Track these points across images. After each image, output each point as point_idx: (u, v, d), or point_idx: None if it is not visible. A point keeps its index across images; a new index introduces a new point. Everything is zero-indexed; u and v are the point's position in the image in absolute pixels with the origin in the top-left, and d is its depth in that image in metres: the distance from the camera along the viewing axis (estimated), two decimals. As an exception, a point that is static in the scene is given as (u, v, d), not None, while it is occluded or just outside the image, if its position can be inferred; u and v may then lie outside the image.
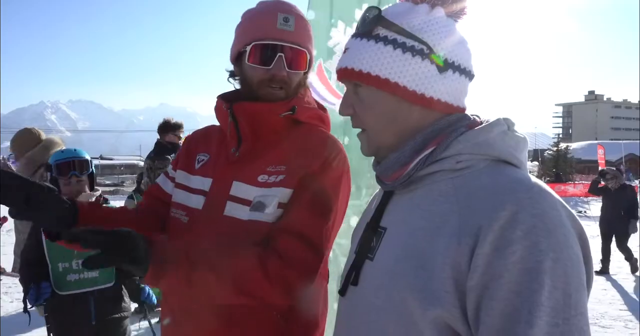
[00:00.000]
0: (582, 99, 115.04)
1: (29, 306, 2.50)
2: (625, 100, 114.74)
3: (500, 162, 0.85)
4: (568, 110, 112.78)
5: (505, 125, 0.88)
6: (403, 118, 0.90)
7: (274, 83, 1.33)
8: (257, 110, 1.34)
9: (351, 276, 0.93)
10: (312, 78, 2.11)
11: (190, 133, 1.65)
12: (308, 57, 1.37)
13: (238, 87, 1.43)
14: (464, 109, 0.93)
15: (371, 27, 0.89)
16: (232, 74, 1.43)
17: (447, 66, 0.87)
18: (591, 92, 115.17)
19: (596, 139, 68.06)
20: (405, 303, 0.80)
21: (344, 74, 0.93)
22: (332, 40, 2.16)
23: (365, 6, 2.24)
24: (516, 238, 0.72)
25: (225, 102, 1.39)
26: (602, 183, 8.17)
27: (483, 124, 0.88)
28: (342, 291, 0.96)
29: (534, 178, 0.82)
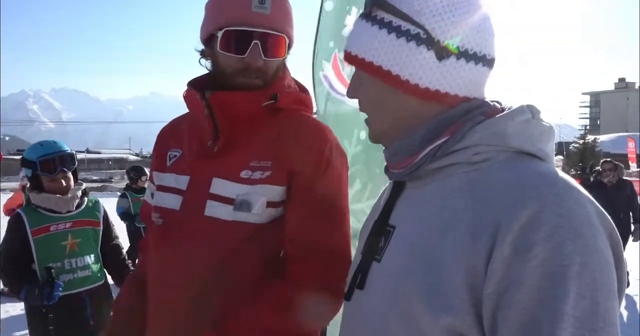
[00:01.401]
0: (612, 87, 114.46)
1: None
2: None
3: (523, 154, 0.82)
4: (596, 100, 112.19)
5: (529, 113, 0.84)
6: (398, 108, 0.89)
7: (250, 72, 1.29)
8: (236, 101, 1.30)
9: (357, 279, 0.91)
10: (327, 70, 2.12)
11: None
12: (287, 42, 1.32)
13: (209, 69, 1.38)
14: (476, 99, 0.89)
15: (370, 8, 0.88)
16: (203, 54, 1.37)
17: (448, 52, 0.84)
18: (622, 80, 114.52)
19: (626, 131, 67.66)
20: (413, 310, 0.78)
21: (345, 56, 0.93)
22: (346, 28, 2.18)
23: (354, 11, 2.18)
24: (538, 240, 0.70)
25: (197, 90, 1.34)
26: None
27: (504, 112, 0.85)
28: (347, 296, 0.94)
29: (559, 172, 0.79)
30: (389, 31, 0.85)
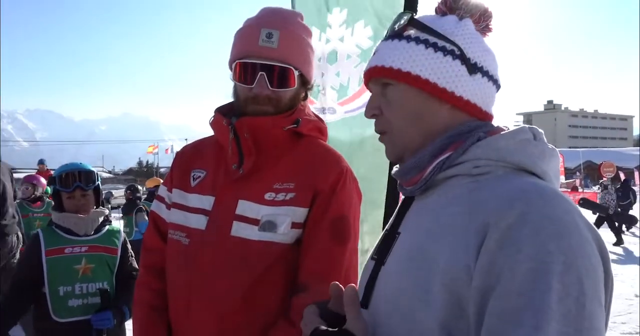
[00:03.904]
0: (542, 108, 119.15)
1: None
2: (581, 110, 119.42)
3: (522, 171, 0.83)
4: (528, 119, 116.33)
5: (529, 134, 0.86)
6: (431, 117, 0.89)
7: (259, 100, 1.30)
8: (260, 125, 1.29)
9: (370, 288, 0.91)
10: None
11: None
12: (297, 73, 1.31)
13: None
14: (491, 116, 0.93)
15: (403, 29, 0.91)
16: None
17: (476, 69, 0.89)
18: (550, 102, 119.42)
19: (555, 147, 70.34)
20: (411, 308, 0.78)
21: (373, 72, 0.93)
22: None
23: (335, 10, 2.28)
24: (524, 236, 0.69)
25: (223, 116, 1.35)
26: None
27: (505, 131, 0.87)
28: (363, 302, 0.90)
29: (553, 187, 0.80)
30: (426, 46, 0.88)
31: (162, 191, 1.47)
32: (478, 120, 0.91)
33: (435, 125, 0.89)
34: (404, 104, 0.90)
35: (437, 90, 0.87)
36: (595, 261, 0.70)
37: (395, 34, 0.92)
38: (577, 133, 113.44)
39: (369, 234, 2.05)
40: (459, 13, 0.91)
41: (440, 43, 0.88)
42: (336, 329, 0.77)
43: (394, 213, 0.98)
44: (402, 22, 0.92)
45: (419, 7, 1.82)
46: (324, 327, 0.78)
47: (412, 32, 0.90)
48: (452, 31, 0.89)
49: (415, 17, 0.92)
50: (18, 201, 6.55)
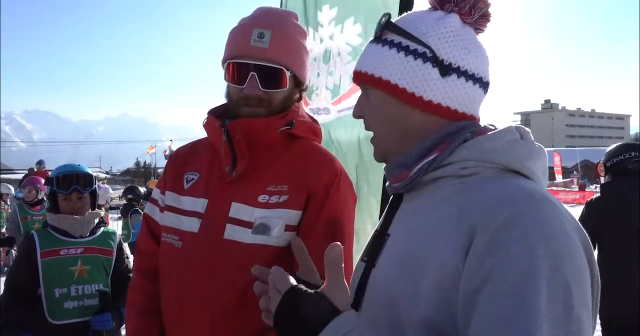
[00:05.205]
0: (539, 108, 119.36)
1: None
2: (578, 109, 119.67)
3: (509, 172, 0.82)
4: (526, 119, 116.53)
5: (517, 133, 0.85)
6: (405, 121, 0.89)
7: (251, 101, 1.28)
8: (254, 126, 1.28)
9: (361, 290, 0.90)
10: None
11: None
12: (289, 74, 1.30)
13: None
14: (472, 116, 0.90)
15: (381, 31, 0.91)
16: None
17: (451, 70, 0.86)
18: (547, 101, 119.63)
19: (553, 146, 70.58)
20: (398, 312, 0.78)
21: (355, 77, 0.94)
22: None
23: (325, 7, 2.26)
24: (512, 239, 0.69)
25: (216, 118, 1.34)
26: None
27: (493, 131, 0.86)
28: (354, 305, 0.88)
29: (541, 189, 0.79)
30: (397, 50, 0.88)
31: (156, 193, 1.46)
32: (458, 121, 0.89)
33: (412, 129, 0.89)
34: (380, 108, 0.91)
35: (405, 95, 0.87)
36: (582, 264, 0.71)
37: (376, 37, 0.93)
38: (574, 133, 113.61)
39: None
40: (448, 7, 0.89)
41: (412, 46, 0.87)
42: (314, 291, 0.74)
43: (383, 215, 0.98)
44: (382, 23, 0.91)
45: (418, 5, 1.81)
46: (303, 287, 0.75)
47: (388, 35, 0.90)
48: (427, 31, 0.87)
49: (393, 19, 0.92)
50: (18, 203, 6.52)
